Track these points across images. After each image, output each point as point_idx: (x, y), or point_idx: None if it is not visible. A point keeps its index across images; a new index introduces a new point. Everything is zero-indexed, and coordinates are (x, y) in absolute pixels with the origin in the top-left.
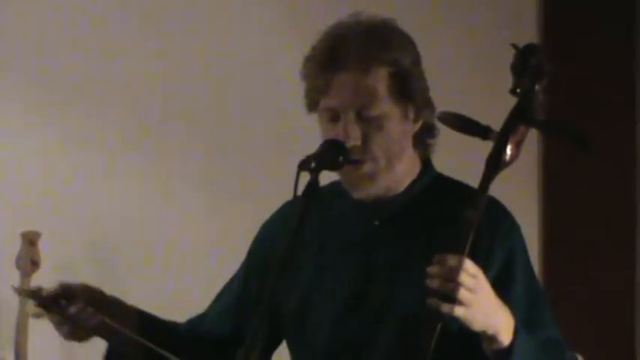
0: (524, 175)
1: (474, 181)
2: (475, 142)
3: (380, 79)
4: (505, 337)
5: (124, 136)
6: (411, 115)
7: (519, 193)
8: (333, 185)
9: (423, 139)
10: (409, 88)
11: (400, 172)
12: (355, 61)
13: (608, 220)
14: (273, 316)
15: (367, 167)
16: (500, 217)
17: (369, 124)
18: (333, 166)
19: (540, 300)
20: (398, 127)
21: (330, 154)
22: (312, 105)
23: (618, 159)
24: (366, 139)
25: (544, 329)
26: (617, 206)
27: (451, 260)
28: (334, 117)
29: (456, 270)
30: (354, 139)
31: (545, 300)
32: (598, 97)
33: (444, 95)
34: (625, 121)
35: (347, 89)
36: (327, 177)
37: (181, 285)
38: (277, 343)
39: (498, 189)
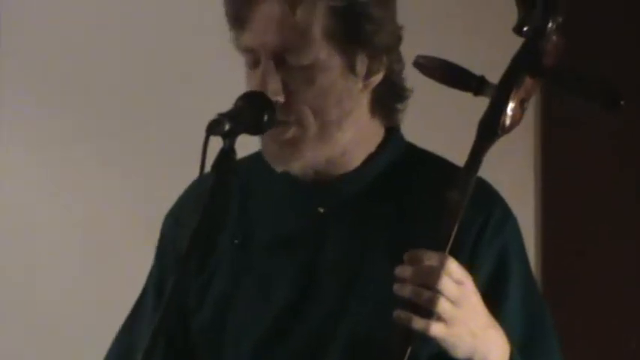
0: (517, 148)
1: (458, 155)
2: (463, 98)
3: (316, 16)
4: None
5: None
6: (362, 67)
7: (511, 171)
8: (260, 156)
9: (385, 102)
10: (359, 30)
11: (345, 144)
12: None
13: (629, 207)
14: (181, 332)
15: (291, 133)
16: (489, 204)
17: (296, 74)
18: (254, 129)
19: (541, 317)
20: (338, 82)
21: (251, 111)
22: (235, 41)
23: None
24: (291, 95)
25: (546, 356)
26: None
27: (429, 259)
28: (255, 61)
29: (436, 273)
30: (273, 92)
31: (548, 316)
32: (624, 42)
33: (422, 34)
34: None
35: (268, 24)
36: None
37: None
38: None
39: (484, 167)
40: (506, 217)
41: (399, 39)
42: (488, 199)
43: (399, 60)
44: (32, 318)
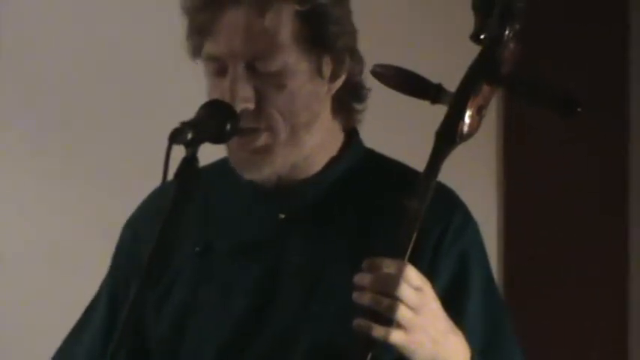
0: (479, 154)
1: (417, 162)
2: (421, 107)
3: (283, 21)
4: None
5: None
6: (327, 70)
7: (473, 177)
8: (223, 163)
9: (346, 103)
10: (324, 33)
11: (311, 148)
12: None
13: (590, 212)
14: (139, 342)
15: (262, 139)
16: (449, 209)
17: (266, 81)
18: (217, 138)
19: (502, 322)
20: (307, 86)
21: (214, 120)
22: (195, 49)
23: (605, 128)
24: (260, 102)
25: None
26: (603, 192)
27: (387, 267)
28: (221, 69)
29: (395, 280)
30: (243, 100)
31: (509, 321)
32: (580, 48)
33: (380, 44)
34: (614, 80)
35: (236, 32)
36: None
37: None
38: None
39: (446, 173)
40: (467, 222)
41: (355, 38)
42: (449, 204)
43: (360, 60)
44: None
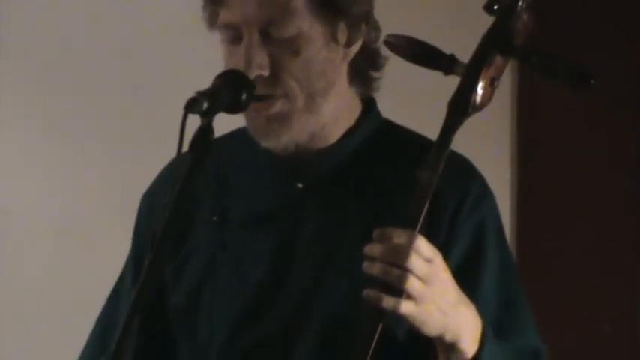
0: (493, 125)
1: (430, 133)
2: (434, 77)
3: None
4: (469, 346)
5: None
6: (342, 36)
7: (487, 148)
8: (240, 134)
9: (362, 71)
10: None
11: (329, 115)
12: None
13: (603, 185)
14: (158, 310)
15: (278, 106)
16: (467, 180)
17: (281, 47)
18: (233, 107)
19: (517, 295)
20: (322, 52)
21: (230, 90)
22: (211, 19)
23: (620, 101)
24: (275, 68)
25: (521, 334)
26: (616, 165)
27: (398, 237)
28: (236, 37)
29: (405, 251)
30: (258, 66)
31: (523, 294)
32: (594, 24)
33: (393, 15)
34: (630, 55)
35: None
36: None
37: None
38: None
39: (459, 143)
40: (485, 193)
41: (372, 5)
42: (467, 175)
43: (376, 27)
44: (6, 307)
